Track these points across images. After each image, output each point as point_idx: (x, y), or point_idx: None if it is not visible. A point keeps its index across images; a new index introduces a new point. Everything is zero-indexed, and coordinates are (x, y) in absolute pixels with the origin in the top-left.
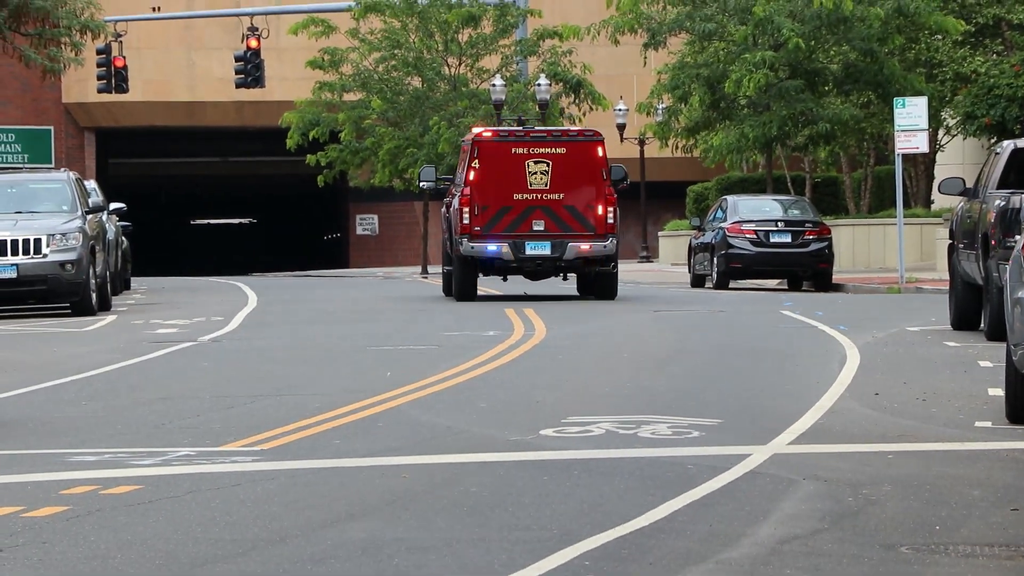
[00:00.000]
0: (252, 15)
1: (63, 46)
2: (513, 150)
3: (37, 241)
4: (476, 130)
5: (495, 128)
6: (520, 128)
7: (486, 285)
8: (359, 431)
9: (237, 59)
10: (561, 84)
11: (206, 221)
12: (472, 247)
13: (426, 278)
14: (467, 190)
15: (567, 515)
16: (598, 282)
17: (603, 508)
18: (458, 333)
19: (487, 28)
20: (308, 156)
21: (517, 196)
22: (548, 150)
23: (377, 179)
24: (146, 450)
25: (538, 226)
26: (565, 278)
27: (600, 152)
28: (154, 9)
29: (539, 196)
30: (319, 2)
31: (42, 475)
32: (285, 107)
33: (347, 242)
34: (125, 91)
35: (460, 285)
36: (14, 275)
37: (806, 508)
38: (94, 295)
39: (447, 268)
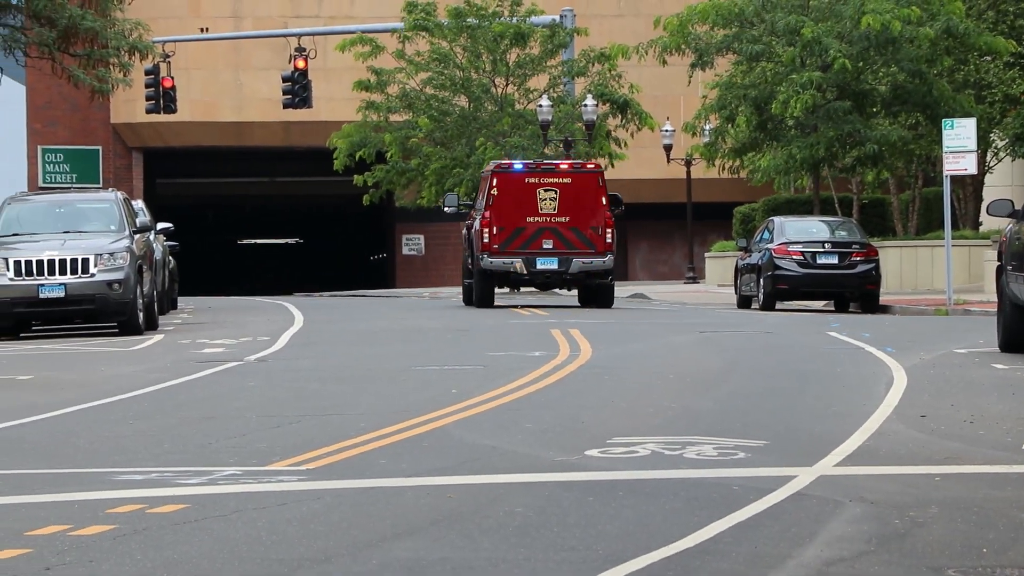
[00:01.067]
0: (300, 36)
1: (112, 67)
2: (526, 180)
3: (85, 261)
4: (494, 163)
5: (510, 161)
6: (532, 161)
7: (500, 295)
8: (404, 451)
9: (285, 79)
10: (608, 104)
11: (253, 241)
12: (491, 262)
13: None
14: (487, 214)
15: (612, 536)
16: (597, 292)
17: (648, 529)
18: (503, 353)
19: (535, 49)
20: (355, 176)
21: (529, 219)
22: (556, 180)
23: (424, 199)
24: (192, 469)
25: (547, 245)
26: (570, 289)
27: (600, 182)
28: (202, 30)
29: (548, 219)
30: (367, 22)
31: (89, 494)
32: (332, 127)
33: (393, 262)
34: (173, 111)
35: (480, 294)
36: (62, 294)
37: (852, 530)
38: (141, 314)
39: (467, 281)
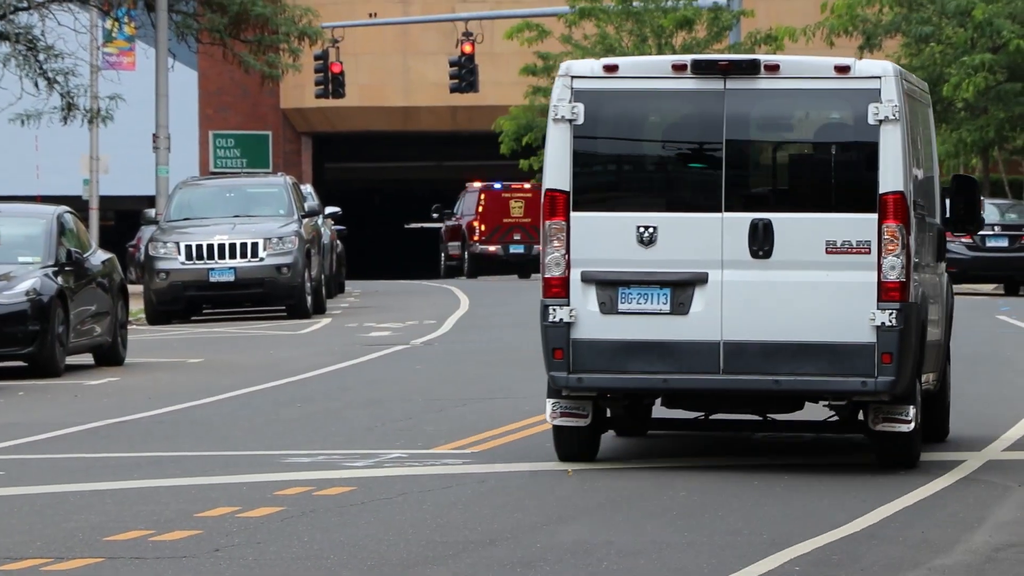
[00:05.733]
0: (467, 20)
1: (281, 52)
2: (503, 194)
3: (254, 245)
4: (478, 184)
5: (491, 183)
6: (507, 183)
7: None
8: None
9: (452, 64)
10: None
11: (420, 225)
12: (479, 248)
13: None
14: (476, 216)
15: (777, 520)
16: None
17: (814, 513)
18: None
19: (701, 32)
20: (521, 160)
21: (505, 220)
22: (522, 194)
23: None
24: (359, 452)
25: (516, 237)
26: (536, 268)
27: None
28: (371, 15)
29: (517, 220)
30: (534, 7)
31: (257, 476)
32: (499, 112)
33: None
34: (342, 96)
35: (471, 271)
36: (232, 278)
37: (1022, 515)
38: (309, 298)
39: (449, 263)
